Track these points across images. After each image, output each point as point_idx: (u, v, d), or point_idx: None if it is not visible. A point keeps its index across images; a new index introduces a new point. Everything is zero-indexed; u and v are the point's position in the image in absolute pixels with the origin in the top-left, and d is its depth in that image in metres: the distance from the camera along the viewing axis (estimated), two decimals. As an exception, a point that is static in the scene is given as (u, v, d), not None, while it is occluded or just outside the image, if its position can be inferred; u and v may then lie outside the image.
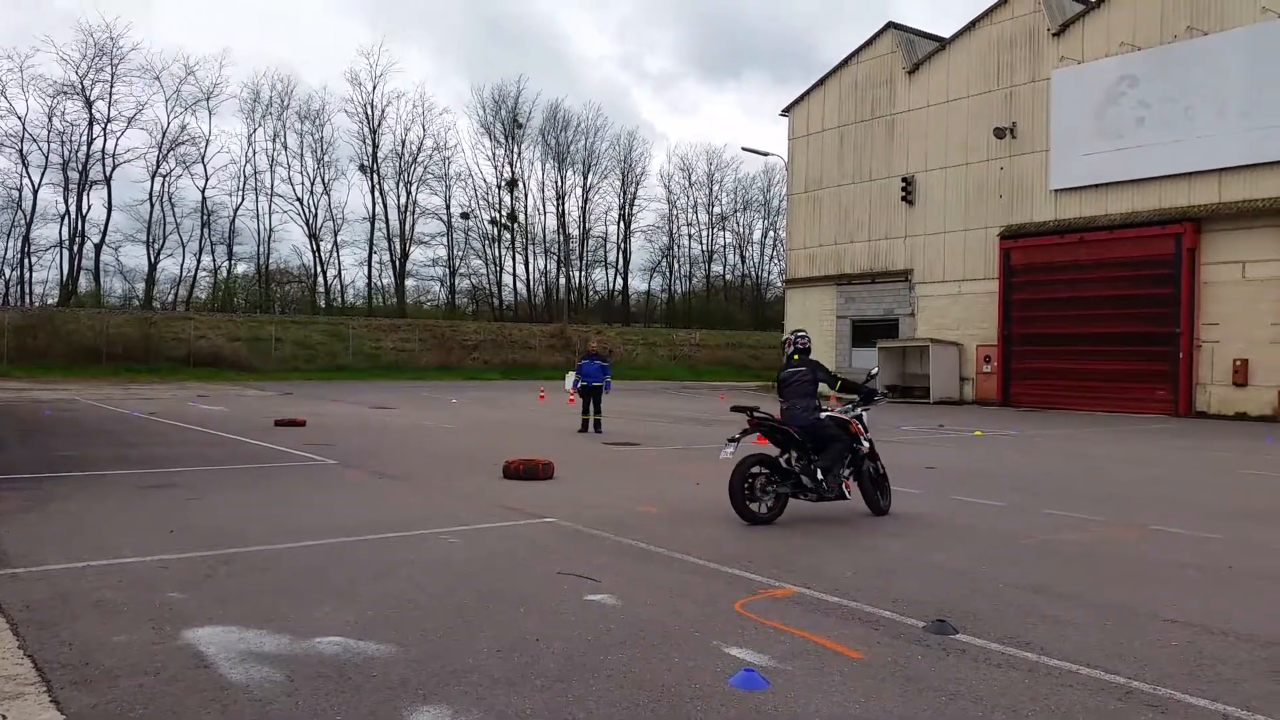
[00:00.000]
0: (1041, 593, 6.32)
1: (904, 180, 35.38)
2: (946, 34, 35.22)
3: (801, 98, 39.97)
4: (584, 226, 73.09)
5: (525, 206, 70.60)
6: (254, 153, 63.93)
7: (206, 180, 61.02)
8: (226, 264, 64.65)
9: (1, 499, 9.41)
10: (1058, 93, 30.67)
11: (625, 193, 74.04)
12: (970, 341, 33.06)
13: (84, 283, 59.61)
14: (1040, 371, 30.76)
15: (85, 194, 57.38)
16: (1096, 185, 29.69)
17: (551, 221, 72.64)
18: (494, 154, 70.98)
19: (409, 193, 66.70)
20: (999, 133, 32.23)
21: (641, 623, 5.44)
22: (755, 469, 8.71)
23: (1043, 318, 30.79)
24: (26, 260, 57.63)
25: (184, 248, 62.05)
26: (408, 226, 66.82)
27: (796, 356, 9.47)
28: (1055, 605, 6.00)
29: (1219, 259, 26.94)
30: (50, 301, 56.79)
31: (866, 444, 9.26)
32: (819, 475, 8.83)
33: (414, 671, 4.55)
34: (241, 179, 62.67)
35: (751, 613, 5.67)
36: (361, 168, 65.16)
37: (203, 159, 60.64)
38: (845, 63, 38.12)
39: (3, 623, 5.22)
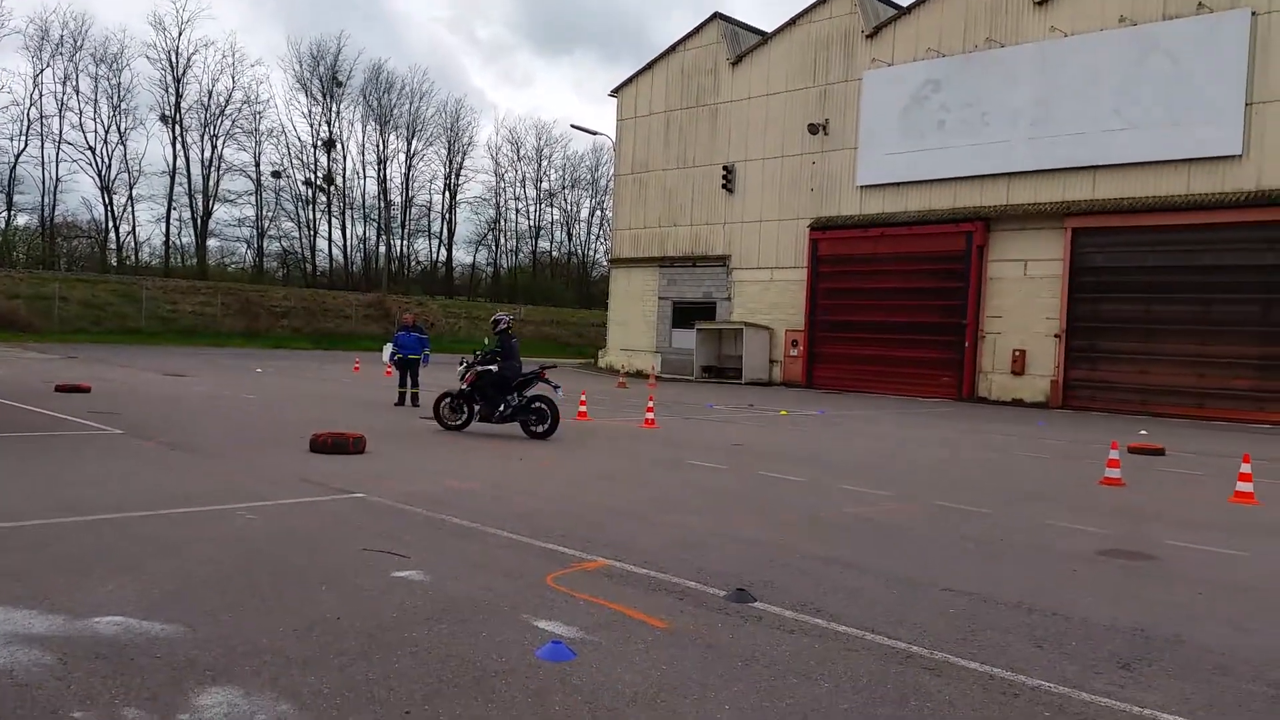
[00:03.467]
0: (834, 563, 6.69)
1: (725, 168, 36.31)
2: (770, 28, 36.31)
3: (630, 80, 40.24)
4: (407, 194, 70.86)
5: (344, 169, 67.70)
6: (40, 95, 58.05)
7: (-16, 122, 55.23)
8: (6, 215, 58.75)
9: None
10: (868, 93, 32.23)
11: (451, 162, 72.31)
12: (780, 326, 34.43)
13: None
14: (842, 356, 32.43)
15: None
16: (899, 183, 31.45)
17: (372, 186, 70.18)
18: (310, 111, 67.91)
19: (214, 147, 62.47)
20: (813, 128, 33.56)
21: (450, 598, 5.38)
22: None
23: (846, 306, 32.46)
24: None
25: (-45, 195, 55.97)
26: (212, 182, 62.66)
27: (511, 330, 14.13)
28: (846, 575, 6.37)
29: (1004, 256, 29.17)
30: None
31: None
32: (512, 405, 13.67)
33: (202, 652, 4.32)
34: (25, 123, 56.95)
35: (563, 586, 5.72)
36: (163, 118, 60.51)
37: (-21, 98, 54.73)
38: (673, 49, 38.65)
39: None
